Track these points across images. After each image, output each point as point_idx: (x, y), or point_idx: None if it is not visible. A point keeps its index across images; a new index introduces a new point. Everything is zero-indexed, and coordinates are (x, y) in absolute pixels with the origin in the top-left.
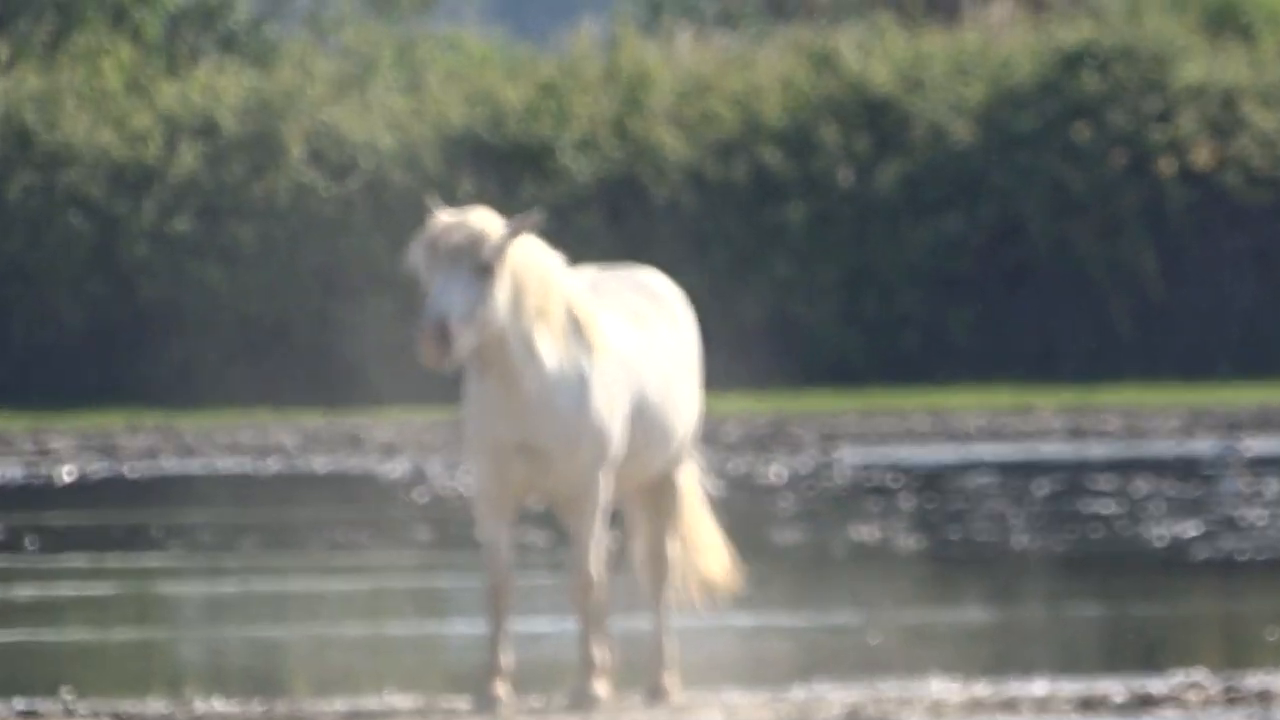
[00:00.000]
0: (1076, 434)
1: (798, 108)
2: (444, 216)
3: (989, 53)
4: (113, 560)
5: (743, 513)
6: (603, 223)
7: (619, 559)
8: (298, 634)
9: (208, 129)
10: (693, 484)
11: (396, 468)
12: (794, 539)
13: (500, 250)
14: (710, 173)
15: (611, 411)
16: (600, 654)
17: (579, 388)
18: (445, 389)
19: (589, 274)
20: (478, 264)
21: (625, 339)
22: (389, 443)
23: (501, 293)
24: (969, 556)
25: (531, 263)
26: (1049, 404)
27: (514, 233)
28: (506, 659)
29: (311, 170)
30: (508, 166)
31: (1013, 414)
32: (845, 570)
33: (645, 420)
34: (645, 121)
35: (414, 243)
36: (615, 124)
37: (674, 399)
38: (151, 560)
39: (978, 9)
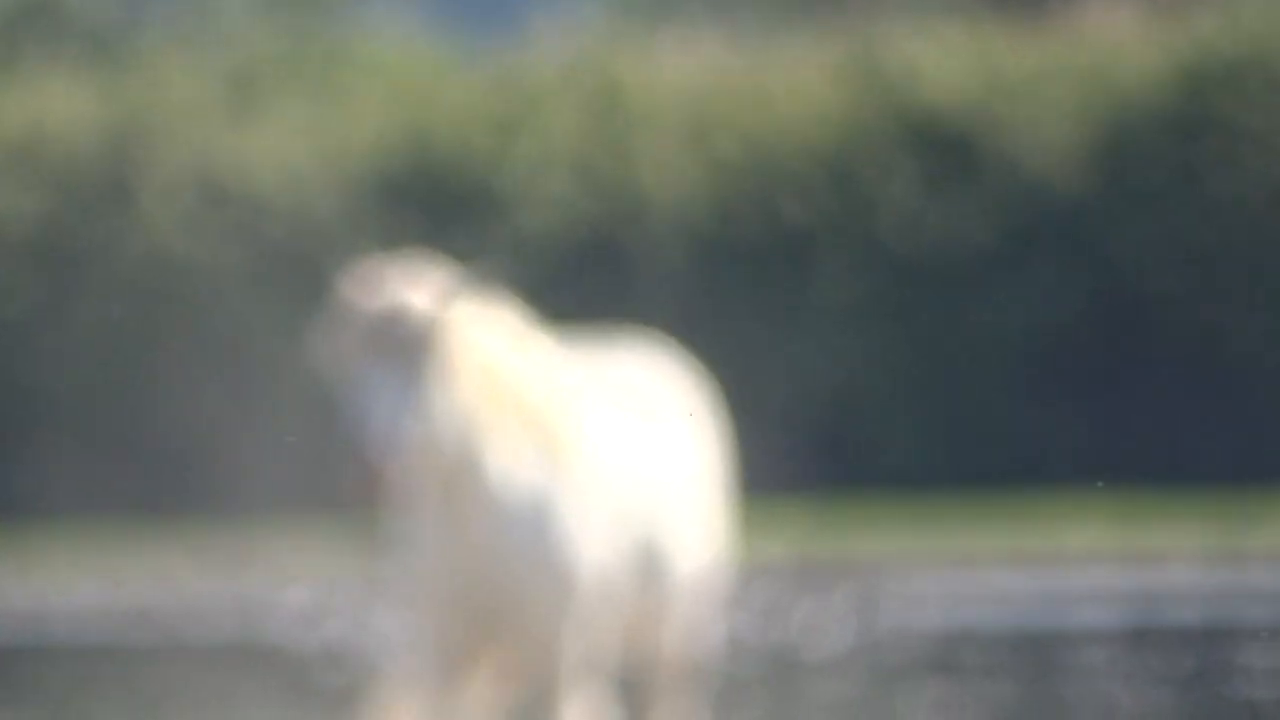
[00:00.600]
0: (1221, 568)
1: (832, 136)
2: (356, 283)
3: (1093, 65)
4: None
5: (763, 692)
6: (565, 293)
7: None
8: None
9: (33, 164)
10: (698, 655)
11: (304, 624)
12: None
13: (436, 329)
14: (709, 226)
15: (585, 545)
16: None
17: (538, 514)
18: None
19: (558, 349)
20: (406, 355)
21: (609, 442)
22: (289, 579)
23: (439, 387)
24: None
25: (472, 338)
26: (1183, 529)
27: (450, 299)
28: None
29: (176, 220)
30: (436, 215)
31: (1134, 539)
32: None
33: (637, 558)
34: (623, 155)
35: (317, 327)
36: (582, 158)
37: (680, 527)
38: None
39: (1071, 6)
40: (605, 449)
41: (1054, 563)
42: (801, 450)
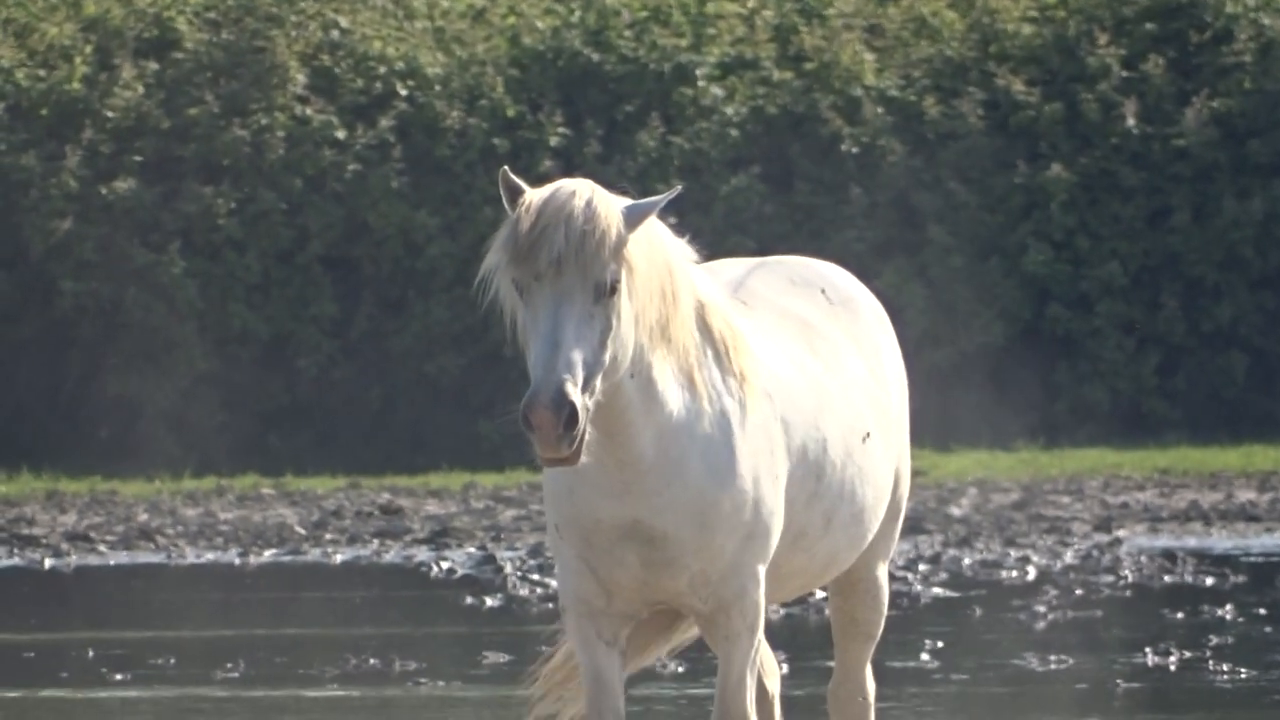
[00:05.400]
0: None
1: (1055, 11)
2: (535, 201)
3: None
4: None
5: (982, 623)
6: (762, 185)
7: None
8: None
9: (160, 44)
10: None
11: (450, 554)
12: (1056, 664)
13: (623, 255)
14: (927, 112)
15: (768, 475)
16: None
17: (717, 441)
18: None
19: (735, 269)
20: (597, 283)
21: (789, 368)
22: (438, 518)
23: (626, 316)
24: None
25: (650, 258)
26: None
27: (638, 222)
28: None
29: (320, 105)
30: (618, 101)
31: None
32: (1133, 711)
33: (820, 490)
34: (826, 32)
35: (495, 249)
36: (782, 35)
37: (866, 457)
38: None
39: None
40: (786, 365)
41: None
42: (1016, 371)
